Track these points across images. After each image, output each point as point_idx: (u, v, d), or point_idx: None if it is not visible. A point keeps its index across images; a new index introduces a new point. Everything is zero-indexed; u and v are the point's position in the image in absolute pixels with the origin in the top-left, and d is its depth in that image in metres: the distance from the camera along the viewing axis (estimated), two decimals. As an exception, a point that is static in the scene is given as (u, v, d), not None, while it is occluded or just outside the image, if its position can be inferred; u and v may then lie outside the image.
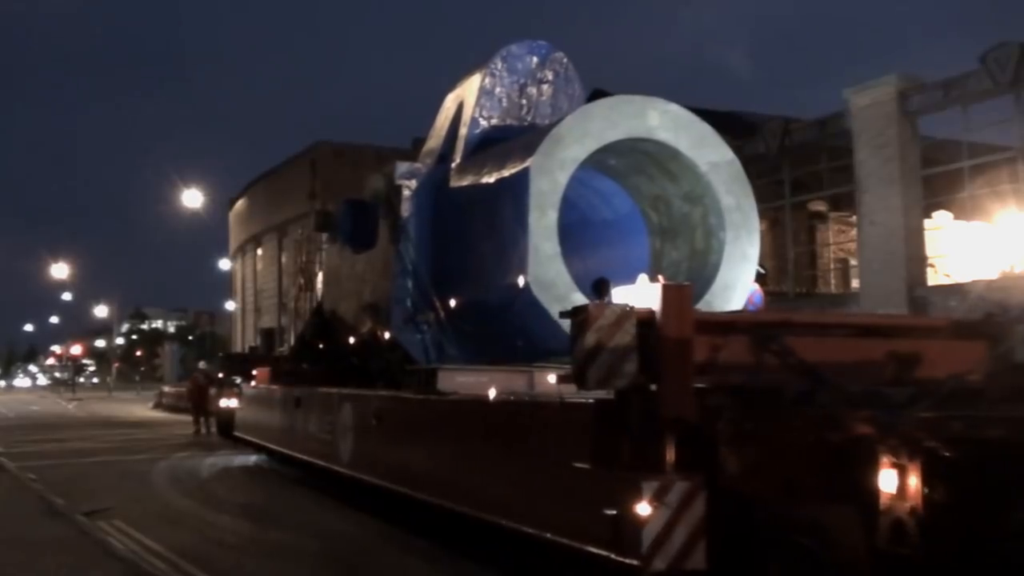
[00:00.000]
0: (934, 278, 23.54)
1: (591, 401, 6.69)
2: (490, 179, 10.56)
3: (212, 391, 23.20)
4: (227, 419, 20.07)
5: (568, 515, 6.67)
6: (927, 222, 23.89)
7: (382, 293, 12.29)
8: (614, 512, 6.04)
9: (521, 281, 9.58)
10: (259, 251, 49.28)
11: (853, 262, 26.42)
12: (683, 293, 6.50)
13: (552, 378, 6.85)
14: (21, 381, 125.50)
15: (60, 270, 59.70)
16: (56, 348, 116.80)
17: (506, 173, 10.19)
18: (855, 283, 26.11)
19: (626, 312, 6.37)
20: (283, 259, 42.92)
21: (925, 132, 23.89)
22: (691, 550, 5.88)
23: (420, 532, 9.39)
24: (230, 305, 57.58)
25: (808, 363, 6.48)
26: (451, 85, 13.11)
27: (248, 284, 51.26)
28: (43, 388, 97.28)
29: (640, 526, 5.81)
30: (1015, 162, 21.67)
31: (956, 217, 24.77)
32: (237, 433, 17.86)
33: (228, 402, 20.23)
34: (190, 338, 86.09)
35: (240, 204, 52.83)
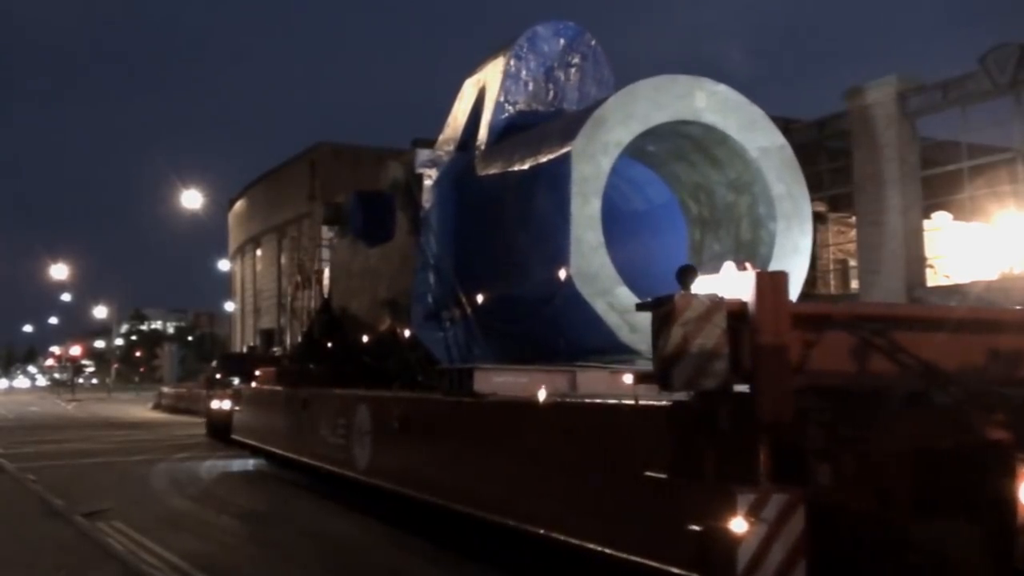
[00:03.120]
0: (933, 279, 22.99)
1: (668, 403, 5.72)
2: (524, 166, 9.42)
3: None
4: (219, 421, 18.87)
5: (639, 531, 5.78)
6: (926, 223, 23.37)
7: (400, 288, 11.13)
8: (700, 528, 5.16)
9: (562, 274, 8.46)
10: (258, 252, 48.00)
11: (852, 263, 25.73)
12: (779, 282, 5.50)
13: (628, 378, 5.82)
14: (20, 382, 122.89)
15: (59, 271, 58.04)
16: (55, 349, 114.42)
17: (543, 159, 9.07)
18: (855, 284, 25.40)
19: (716, 303, 5.42)
20: (283, 260, 41.70)
21: (924, 133, 23.38)
22: (790, 571, 5.06)
23: (422, 533, 8.92)
24: (229, 306, 56.17)
25: (923, 360, 5.48)
26: (470, 70, 11.96)
27: (248, 285, 49.93)
28: (42, 389, 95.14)
29: (734, 544, 4.97)
30: (1014, 163, 21.36)
31: (955, 218, 24.12)
32: (235, 436, 16.55)
33: (221, 404, 19.03)
34: (189, 339, 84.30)
35: (239, 205, 51.51)
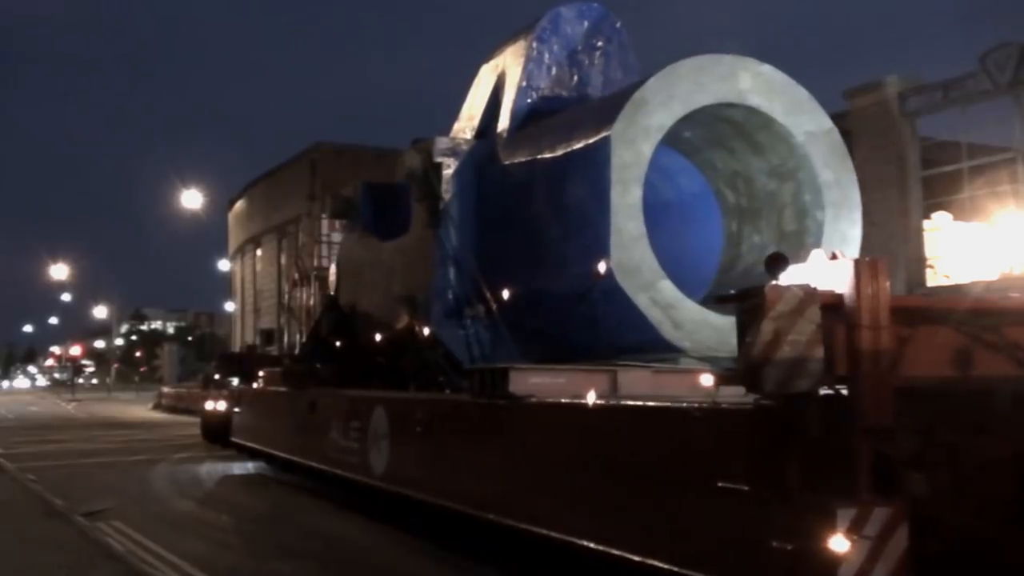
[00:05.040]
0: (933, 279, 22.41)
1: (748, 406, 4.94)
2: (555, 152, 8.54)
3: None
4: (215, 422, 17.86)
5: (711, 547, 5.03)
6: (926, 223, 22.72)
7: (417, 284, 10.20)
8: (790, 547, 4.49)
9: (602, 267, 7.58)
10: (258, 252, 46.88)
11: (853, 262, 24.93)
12: (879, 270, 4.71)
13: (706, 379, 5.00)
14: (20, 382, 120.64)
15: (60, 271, 56.60)
16: (55, 349, 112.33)
17: (578, 145, 8.19)
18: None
19: (810, 295, 4.66)
20: (283, 260, 40.65)
21: (924, 133, 22.81)
22: (892, 594, 4.35)
23: (423, 534, 8.55)
24: (229, 306, 55.00)
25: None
26: (487, 55, 11.05)
27: (247, 285, 48.81)
28: (42, 389, 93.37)
29: (834, 565, 4.32)
30: (1014, 163, 20.90)
31: (955, 218, 23.49)
32: (234, 439, 15.55)
33: (216, 405, 17.99)
34: (189, 339, 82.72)
35: (239, 205, 50.38)
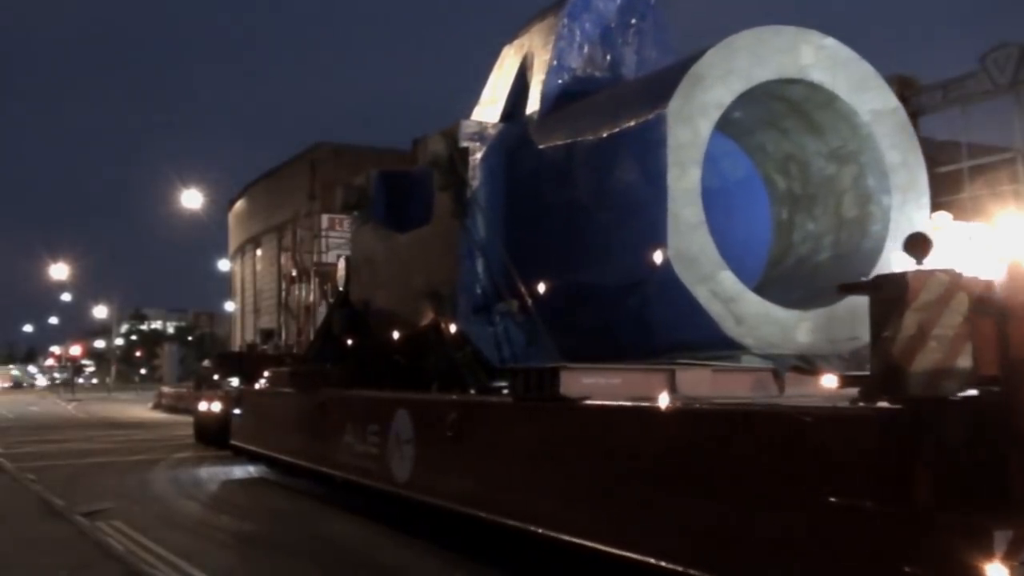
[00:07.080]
0: (934, 278, 21.55)
1: (872, 411, 4.07)
2: (600, 134, 7.58)
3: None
4: (209, 424, 16.78)
5: (821, 572, 4.16)
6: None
7: (441, 278, 9.22)
8: (927, 574, 3.73)
9: (657, 257, 6.64)
10: (258, 252, 45.84)
11: (853, 261, 24.18)
12: None
13: (830, 380, 4.10)
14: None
15: (59, 271, 55.21)
16: (55, 349, 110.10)
17: (629, 123, 7.23)
18: (855, 282, 23.96)
19: (956, 281, 3.91)
20: (282, 259, 39.58)
21: (924, 133, 22.07)
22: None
23: (424, 534, 8.22)
24: (229, 306, 53.80)
25: None
26: (511, 35, 10.10)
27: (247, 285, 47.75)
28: (42, 389, 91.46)
29: None
30: (1014, 163, 20.17)
31: (956, 218, 22.66)
32: (234, 441, 14.51)
33: (210, 406, 16.88)
34: (189, 339, 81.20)
35: (239, 205, 49.33)
